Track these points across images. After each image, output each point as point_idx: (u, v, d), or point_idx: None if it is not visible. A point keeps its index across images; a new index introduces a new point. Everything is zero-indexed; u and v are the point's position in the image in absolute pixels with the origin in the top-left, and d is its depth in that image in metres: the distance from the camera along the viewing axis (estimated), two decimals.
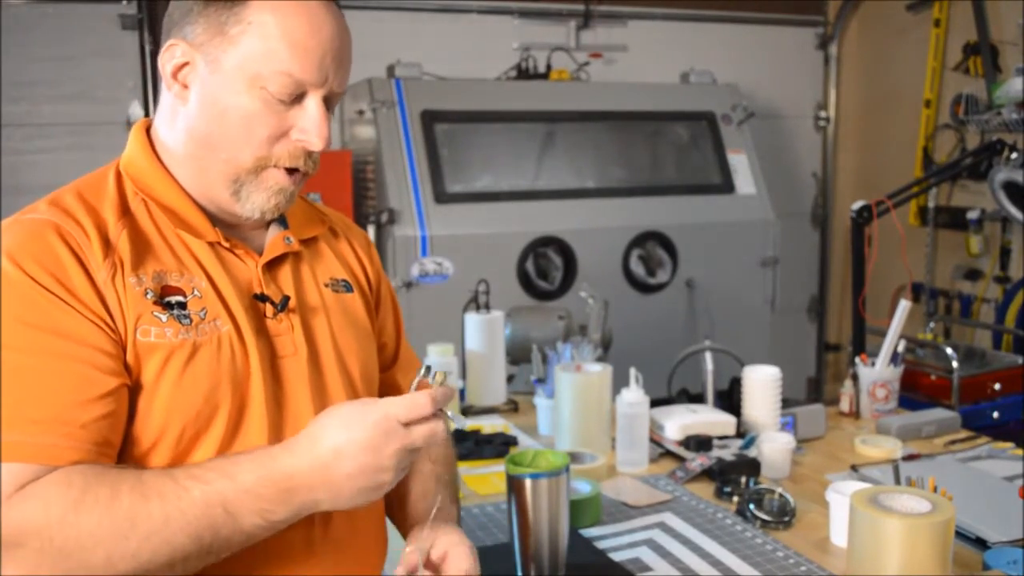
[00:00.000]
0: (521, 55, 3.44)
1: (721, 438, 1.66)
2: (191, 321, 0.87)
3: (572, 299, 2.74)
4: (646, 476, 1.57)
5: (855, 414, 1.93)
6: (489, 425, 1.84)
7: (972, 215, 3.44)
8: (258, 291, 0.94)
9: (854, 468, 1.60)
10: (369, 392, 1.04)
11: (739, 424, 1.72)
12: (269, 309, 0.94)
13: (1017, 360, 2.78)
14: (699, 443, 1.62)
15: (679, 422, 1.66)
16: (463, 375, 2.03)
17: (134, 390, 0.84)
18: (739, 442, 1.64)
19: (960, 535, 1.28)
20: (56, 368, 0.80)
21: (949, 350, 2.67)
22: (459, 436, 1.71)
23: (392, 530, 1.10)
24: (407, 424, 0.82)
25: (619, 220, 3.14)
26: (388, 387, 1.17)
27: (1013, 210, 2.70)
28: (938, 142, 3.70)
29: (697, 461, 1.56)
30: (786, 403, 1.76)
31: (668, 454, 1.66)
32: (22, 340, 0.79)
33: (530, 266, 3.00)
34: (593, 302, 2.16)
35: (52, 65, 3.05)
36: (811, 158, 4.28)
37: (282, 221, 1.01)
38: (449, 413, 0.87)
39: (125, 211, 0.90)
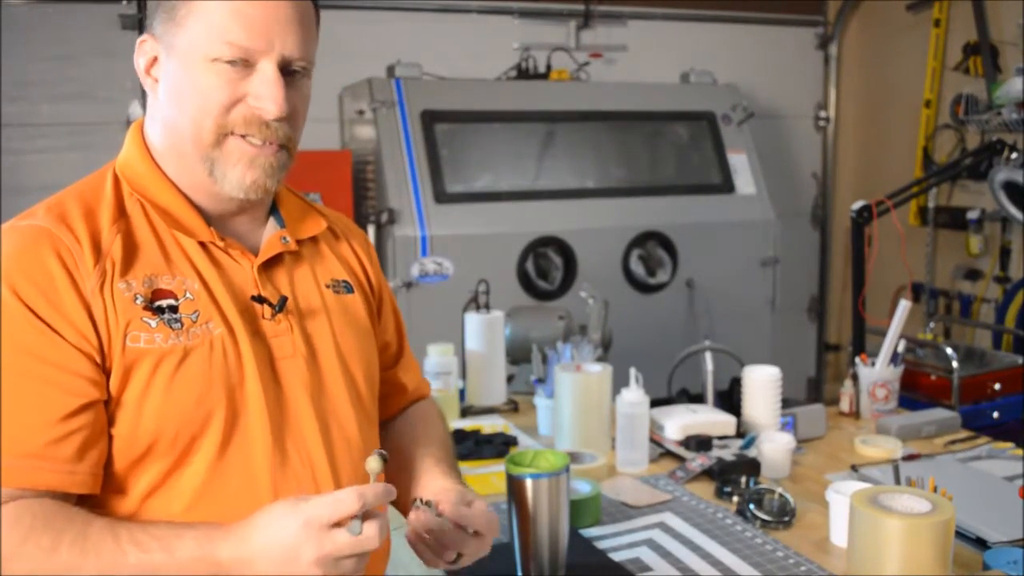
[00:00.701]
0: (521, 55, 3.44)
1: (721, 438, 1.66)
2: (182, 325, 0.87)
3: (572, 299, 2.74)
4: (646, 476, 1.56)
5: (855, 414, 1.93)
6: (489, 425, 1.84)
7: (972, 215, 3.44)
8: (255, 292, 0.93)
9: (854, 468, 1.60)
10: (372, 393, 1.04)
11: (739, 424, 1.71)
12: (266, 310, 0.94)
13: (1017, 360, 2.78)
14: (699, 443, 1.62)
15: (679, 422, 1.66)
16: (463, 375, 2.02)
17: (125, 396, 0.84)
18: (739, 442, 1.64)
19: (960, 535, 1.28)
20: (22, 389, 0.81)
21: (949, 350, 2.67)
22: (459, 436, 1.71)
23: (392, 529, 1.10)
24: (336, 525, 0.78)
25: (619, 220, 3.14)
26: (392, 386, 1.17)
27: (1013, 210, 2.70)
28: (938, 142, 3.70)
29: (697, 461, 1.56)
30: (786, 403, 1.76)
31: (668, 454, 1.66)
32: None
33: (530, 266, 3.00)
34: (593, 302, 2.16)
35: (52, 65, 3.04)
36: (811, 158, 4.28)
37: (279, 220, 1.00)
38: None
39: (121, 214, 0.91)
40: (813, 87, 4.23)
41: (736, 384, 1.85)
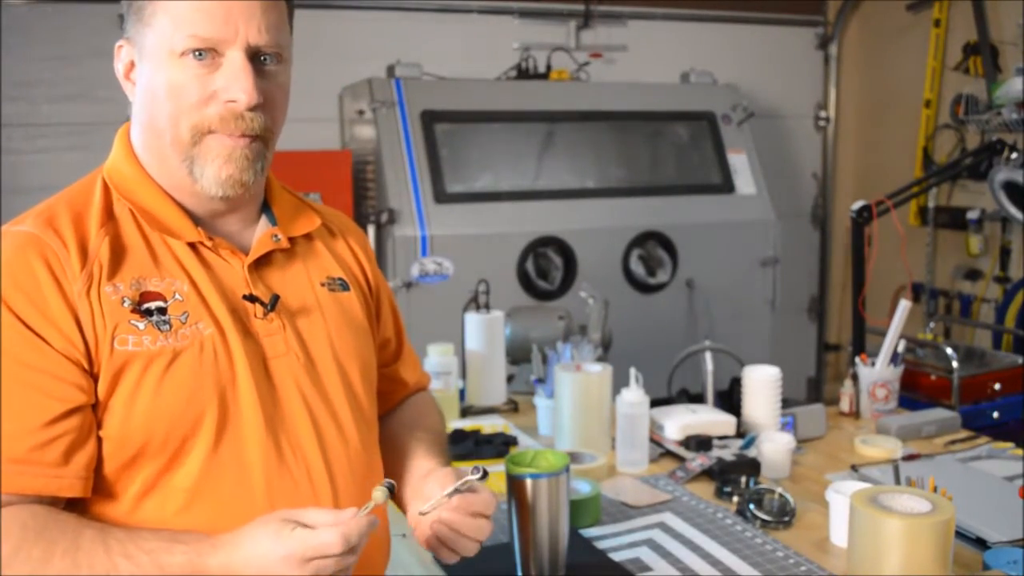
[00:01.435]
0: (521, 55, 3.44)
1: (721, 438, 1.65)
2: (171, 327, 0.87)
3: (572, 299, 2.74)
4: (646, 476, 1.56)
5: (855, 414, 1.93)
6: (489, 425, 1.84)
7: (972, 215, 3.44)
8: (246, 292, 0.93)
9: (854, 468, 1.60)
10: (369, 391, 1.04)
11: (739, 424, 1.71)
12: (258, 309, 0.93)
13: (1017, 360, 2.78)
14: (699, 443, 1.62)
15: (679, 422, 1.66)
16: (463, 375, 2.02)
17: (114, 399, 0.85)
18: (739, 442, 1.64)
19: (960, 535, 1.28)
20: (7, 395, 0.81)
21: (949, 350, 2.67)
22: (459, 436, 1.71)
23: (392, 528, 1.10)
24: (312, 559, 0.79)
25: (619, 220, 3.13)
26: (392, 381, 1.17)
27: (1013, 210, 2.70)
28: (938, 142, 3.70)
29: (697, 461, 1.56)
30: (786, 403, 1.76)
31: (668, 454, 1.66)
32: None
33: (530, 266, 3.00)
34: (593, 302, 2.16)
35: (52, 65, 3.04)
36: (811, 158, 4.28)
37: (271, 217, 1.00)
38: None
39: (109, 217, 0.91)
40: (813, 87, 4.23)
41: (736, 384, 1.85)
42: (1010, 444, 1.73)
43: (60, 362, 0.83)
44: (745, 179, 3.35)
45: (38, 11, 3.03)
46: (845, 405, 1.93)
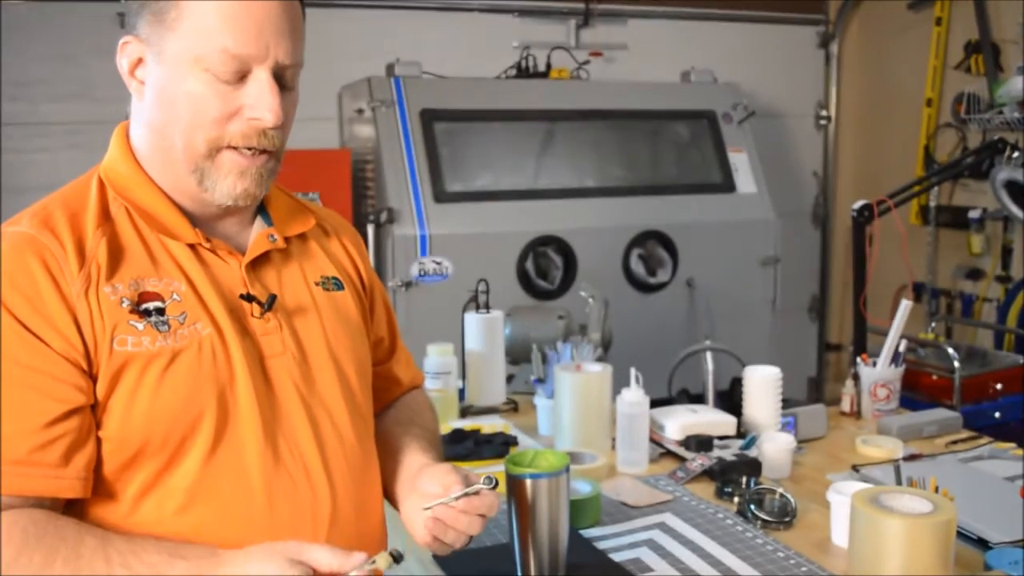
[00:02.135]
0: (521, 54, 3.43)
1: (721, 438, 1.65)
2: (169, 327, 0.87)
3: (572, 299, 2.73)
4: (646, 476, 1.56)
5: (856, 414, 1.92)
6: (489, 425, 1.84)
7: (973, 214, 3.43)
8: (243, 291, 0.93)
9: (855, 468, 1.59)
10: (364, 389, 1.04)
11: (740, 424, 1.71)
12: (255, 309, 0.93)
13: (1019, 360, 2.78)
14: (699, 443, 1.61)
15: (679, 422, 1.66)
16: (463, 375, 2.02)
17: (113, 399, 0.84)
18: (740, 442, 1.64)
19: (961, 535, 1.27)
20: (6, 396, 0.81)
21: (950, 350, 2.67)
22: (459, 436, 1.71)
23: (392, 529, 1.10)
24: None
25: (619, 220, 3.13)
26: (386, 379, 1.17)
27: (1015, 209, 2.70)
28: (939, 141, 3.70)
29: (697, 461, 1.55)
30: (787, 403, 1.76)
31: (668, 454, 1.65)
32: None
33: (530, 266, 3.00)
34: (593, 302, 2.16)
35: (52, 64, 3.04)
36: (812, 157, 4.28)
37: (266, 218, 1.00)
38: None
39: (105, 218, 0.90)
40: (814, 86, 4.23)
41: (736, 384, 1.84)
42: (1012, 444, 1.72)
43: (59, 363, 0.82)
44: (746, 178, 3.35)
45: (38, 11, 3.03)
46: (846, 405, 1.93)
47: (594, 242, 3.05)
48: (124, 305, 0.86)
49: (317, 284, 1.02)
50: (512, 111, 3.16)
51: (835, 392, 2.05)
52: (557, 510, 1.13)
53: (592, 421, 1.66)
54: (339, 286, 1.04)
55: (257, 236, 0.98)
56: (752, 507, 1.36)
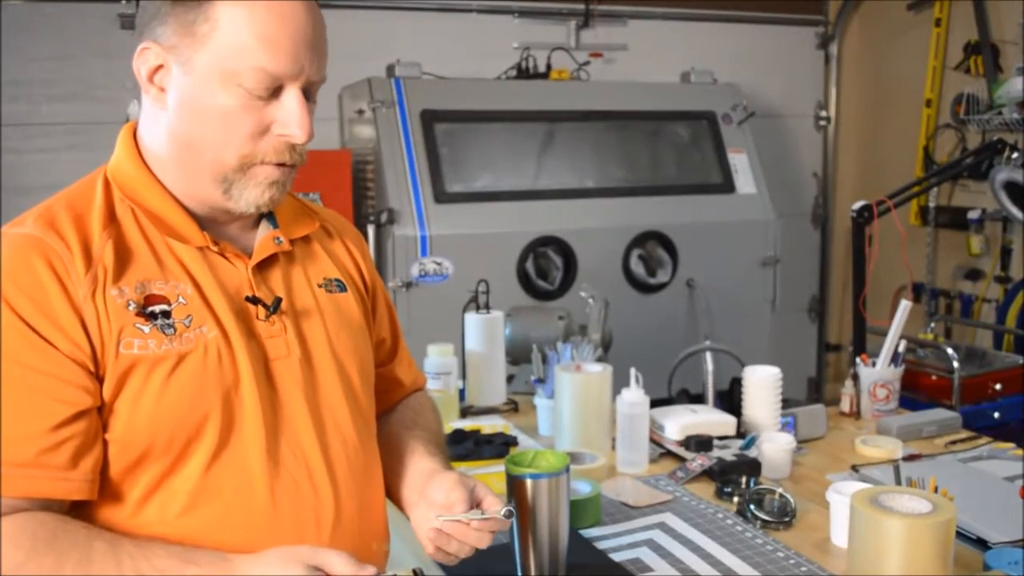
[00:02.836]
0: (521, 55, 3.43)
1: (721, 438, 1.65)
2: (175, 330, 0.87)
3: (572, 299, 2.74)
4: (646, 476, 1.56)
5: (856, 414, 1.92)
6: (489, 425, 1.84)
7: (973, 215, 3.44)
8: (249, 293, 0.93)
9: (855, 468, 1.59)
10: (367, 390, 1.04)
11: (739, 424, 1.71)
12: (261, 311, 0.93)
13: (1018, 360, 2.78)
14: (699, 443, 1.61)
15: (679, 422, 1.66)
16: (463, 375, 2.02)
17: (119, 402, 0.84)
18: (739, 442, 1.64)
19: (961, 535, 1.27)
20: (14, 398, 0.80)
21: (950, 350, 2.67)
22: (459, 436, 1.71)
23: (392, 529, 1.10)
24: None
25: (619, 220, 3.13)
26: (388, 381, 1.17)
27: (1014, 210, 2.70)
28: (939, 142, 3.70)
29: (697, 461, 1.55)
30: (786, 403, 1.76)
31: (668, 454, 1.65)
32: None
33: (530, 266, 3.00)
34: (593, 302, 2.16)
35: (52, 65, 3.04)
36: (811, 158, 4.28)
37: (271, 220, 1.00)
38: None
39: (111, 219, 0.90)
40: (814, 87, 4.23)
41: (736, 384, 1.84)
42: (1011, 444, 1.73)
43: (66, 365, 0.82)
44: (745, 179, 3.35)
45: (38, 11, 3.03)
46: (846, 405, 1.93)
47: (594, 242, 3.05)
48: (130, 308, 0.86)
49: (320, 286, 1.02)
50: (512, 112, 3.16)
51: (835, 392, 2.05)
52: (557, 510, 1.13)
53: (592, 421, 1.66)
54: (342, 288, 1.04)
55: (263, 239, 0.98)
56: (752, 507, 1.36)
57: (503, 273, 2.87)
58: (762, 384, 1.72)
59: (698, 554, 1.25)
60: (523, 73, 3.40)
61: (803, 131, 4.24)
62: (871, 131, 4.14)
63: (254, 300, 0.93)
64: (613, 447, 1.64)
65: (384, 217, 2.82)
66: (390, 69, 3.08)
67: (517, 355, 2.11)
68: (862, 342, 2.42)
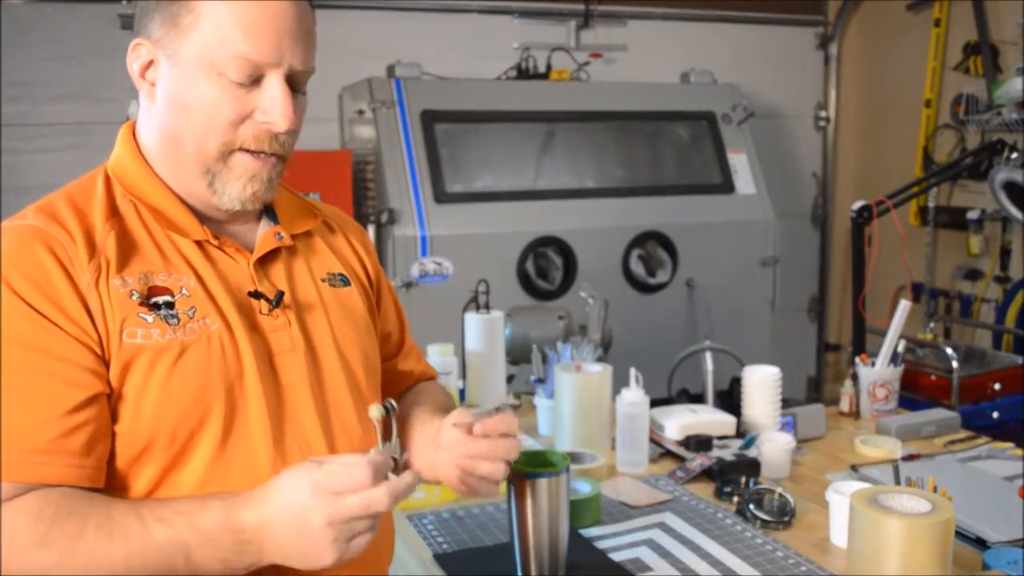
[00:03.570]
0: (521, 55, 3.44)
1: (721, 438, 1.65)
2: (178, 321, 0.87)
3: (572, 299, 2.74)
4: (646, 476, 1.56)
5: (855, 414, 1.93)
6: None
7: (972, 215, 3.44)
8: (251, 288, 0.94)
9: (854, 468, 1.60)
10: (372, 384, 1.04)
11: (739, 424, 1.71)
12: (264, 306, 0.94)
13: (1017, 360, 2.78)
14: (699, 443, 1.62)
15: (679, 422, 1.66)
16: (463, 375, 2.02)
17: (123, 392, 0.84)
18: (739, 442, 1.64)
19: (960, 535, 1.28)
20: (25, 383, 0.80)
21: (949, 350, 2.67)
22: None
23: (398, 535, 1.10)
24: (343, 493, 0.80)
25: (619, 220, 3.13)
26: (395, 375, 1.18)
27: (1013, 210, 2.70)
28: (938, 142, 3.70)
29: (697, 461, 1.56)
30: (786, 403, 1.76)
31: (668, 454, 1.66)
32: None
33: (530, 266, 3.00)
34: (593, 302, 2.16)
35: (52, 65, 3.04)
36: (811, 158, 4.28)
37: (272, 216, 1.01)
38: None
39: (113, 213, 0.91)
40: (813, 87, 4.24)
41: (736, 384, 1.85)
42: (1010, 444, 1.73)
43: (77, 349, 0.82)
44: (745, 179, 3.35)
45: (38, 11, 3.03)
46: (845, 405, 1.93)
47: (594, 242, 3.05)
48: (134, 298, 0.86)
49: (324, 281, 1.02)
50: (512, 112, 3.16)
51: (834, 392, 2.05)
52: (557, 510, 1.14)
53: (592, 421, 1.66)
54: (345, 282, 1.05)
55: (264, 234, 0.98)
56: (751, 507, 1.36)
57: (503, 273, 2.87)
58: (762, 384, 1.72)
59: (698, 554, 1.25)
60: (523, 73, 3.40)
61: (803, 131, 4.24)
62: (871, 131, 4.15)
63: (257, 295, 0.94)
64: (613, 447, 1.64)
65: (384, 217, 2.83)
66: (390, 69, 3.08)
67: (517, 355, 2.11)
68: (861, 342, 2.43)
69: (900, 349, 1.93)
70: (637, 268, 3.17)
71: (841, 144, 4.28)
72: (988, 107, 3.29)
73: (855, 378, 1.94)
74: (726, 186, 3.32)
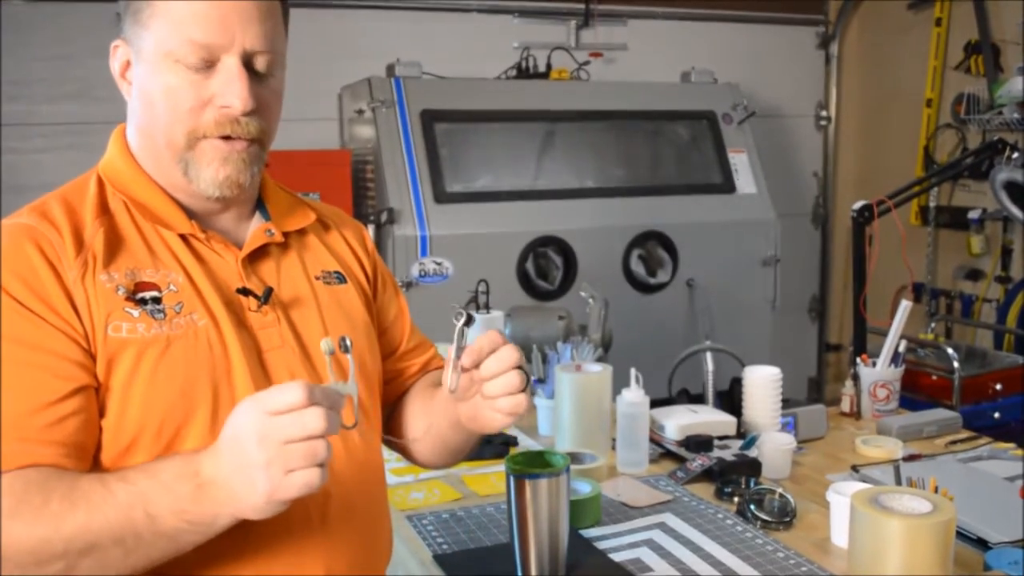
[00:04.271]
0: (521, 54, 3.43)
1: (721, 438, 1.65)
2: (165, 316, 0.88)
3: (572, 299, 2.74)
4: (646, 476, 1.56)
5: (856, 414, 1.92)
6: None
7: (973, 215, 3.44)
8: (239, 285, 0.94)
9: (855, 468, 1.59)
10: (369, 383, 1.04)
11: (739, 424, 1.71)
12: (252, 302, 0.94)
13: (1018, 360, 2.78)
14: (699, 443, 1.61)
15: (679, 422, 1.66)
16: None
17: (109, 385, 0.85)
18: (739, 442, 1.64)
19: (961, 536, 1.27)
20: (13, 376, 0.81)
21: (950, 350, 2.67)
22: None
23: (394, 530, 1.10)
24: (279, 414, 0.76)
25: (619, 220, 3.13)
26: (400, 368, 1.17)
27: (1014, 210, 2.70)
28: (939, 141, 3.70)
29: (697, 461, 1.55)
30: (787, 403, 1.76)
31: (668, 454, 1.65)
32: None
33: (530, 266, 3.00)
34: (593, 302, 2.16)
35: (51, 64, 3.05)
36: (812, 157, 4.28)
37: (265, 214, 1.01)
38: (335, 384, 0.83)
39: (103, 211, 0.92)
40: (814, 86, 4.23)
41: (736, 384, 1.84)
42: (1011, 444, 1.72)
43: (63, 341, 0.83)
44: (746, 178, 3.35)
45: (38, 11, 3.03)
46: (846, 405, 1.93)
47: (594, 242, 3.05)
48: (120, 293, 0.87)
49: (318, 278, 1.02)
50: (512, 112, 3.16)
51: (835, 392, 2.05)
52: (557, 510, 1.13)
53: (592, 421, 1.66)
54: (341, 280, 1.05)
55: (255, 230, 0.99)
56: (752, 507, 1.36)
57: (503, 273, 2.87)
58: (762, 384, 1.72)
59: (698, 554, 1.25)
60: (523, 73, 3.40)
61: (803, 131, 4.24)
62: (871, 131, 4.14)
63: (245, 292, 0.94)
64: (613, 447, 1.64)
65: (384, 217, 2.82)
66: (390, 69, 3.08)
67: None
68: (862, 342, 2.42)
69: (901, 349, 1.92)
70: (637, 268, 3.17)
71: (842, 143, 4.28)
72: (989, 107, 3.29)
73: (856, 378, 1.94)
74: (727, 186, 3.32)
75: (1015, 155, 2.53)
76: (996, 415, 2.62)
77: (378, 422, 1.07)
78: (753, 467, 1.52)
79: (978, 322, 3.54)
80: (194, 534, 0.80)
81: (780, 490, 1.38)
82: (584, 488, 1.38)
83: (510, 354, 0.93)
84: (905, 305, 1.93)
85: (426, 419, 1.08)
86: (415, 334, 1.20)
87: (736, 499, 1.41)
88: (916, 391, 2.67)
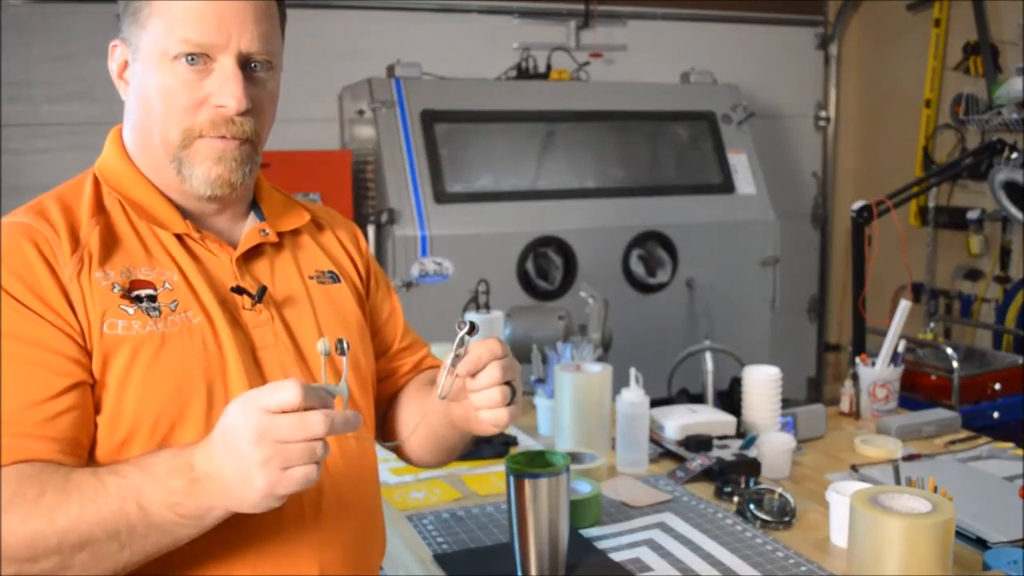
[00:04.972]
0: (521, 55, 3.44)
1: (721, 438, 1.65)
2: (160, 313, 0.89)
3: (572, 299, 2.74)
4: (646, 476, 1.56)
5: (855, 414, 1.93)
6: None
7: (972, 215, 3.44)
8: (234, 284, 0.94)
9: (854, 468, 1.60)
10: (363, 382, 1.04)
11: (739, 424, 1.71)
12: (246, 301, 0.94)
13: (1017, 360, 2.78)
14: (699, 443, 1.62)
15: (679, 422, 1.66)
16: None
17: (105, 382, 0.86)
18: (739, 442, 1.64)
19: (960, 535, 1.28)
20: (9, 372, 0.82)
21: (949, 350, 2.67)
22: None
23: (392, 529, 1.10)
24: (274, 412, 0.76)
25: (619, 220, 3.13)
26: (395, 367, 1.17)
27: (1013, 210, 2.70)
28: (938, 142, 3.70)
29: (697, 461, 1.56)
30: (786, 403, 1.76)
31: (668, 454, 1.65)
32: None
33: (530, 266, 3.00)
34: (593, 302, 2.16)
35: (52, 65, 3.05)
36: (811, 158, 4.28)
37: (259, 214, 1.02)
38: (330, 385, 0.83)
39: (99, 210, 0.93)
40: (813, 87, 4.24)
41: (736, 384, 1.85)
42: (1010, 444, 1.73)
43: (59, 338, 0.84)
44: (745, 179, 3.35)
45: (38, 11, 3.03)
46: (845, 405, 1.93)
47: (594, 242, 3.05)
48: (115, 290, 0.88)
49: (312, 278, 1.03)
50: (512, 112, 3.17)
51: (834, 392, 2.05)
52: (557, 510, 1.14)
53: (592, 421, 1.66)
54: (335, 279, 1.06)
55: (249, 230, 1.00)
56: (751, 507, 1.36)
57: (503, 273, 2.87)
58: (762, 384, 1.72)
59: (698, 554, 1.25)
60: (523, 73, 3.41)
61: (803, 131, 4.24)
62: (871, 131, 4.15)
63: (239, 291, 0.94)
64: (613, 447, 1.64)
65: (384, 217, 2.83)
66: (390, 69, 3.08)
67: (517, 355, 2.09)
68: (862, 342, 2.43)
69: (900, 349, 1.92)
70: (637, 268, 3.17)
71: (841, 144, 4.28)
72: (988, 107, 3.29)
73: (855, 378, 1.94)
74: (726, 186, 3.32)
75: (1014, 155, 2.54)
76: (995, 415, 2.62)
77: (371, 421, 1.07)
78: (753, 467, 1.52)
79: (977, 322, 3.54)
80: (187, 527, 0.80)
81: (780, 490, 1.38)
82: (584, 488, 1.38)
83: (498, 371, 0.93)
84: (904, 305, 1.93)
85: (419, 417, 1.08)
86: (408, 333, 1.20)
87: (736, 499, 1.42)
88: (915, 391, 2.67)
